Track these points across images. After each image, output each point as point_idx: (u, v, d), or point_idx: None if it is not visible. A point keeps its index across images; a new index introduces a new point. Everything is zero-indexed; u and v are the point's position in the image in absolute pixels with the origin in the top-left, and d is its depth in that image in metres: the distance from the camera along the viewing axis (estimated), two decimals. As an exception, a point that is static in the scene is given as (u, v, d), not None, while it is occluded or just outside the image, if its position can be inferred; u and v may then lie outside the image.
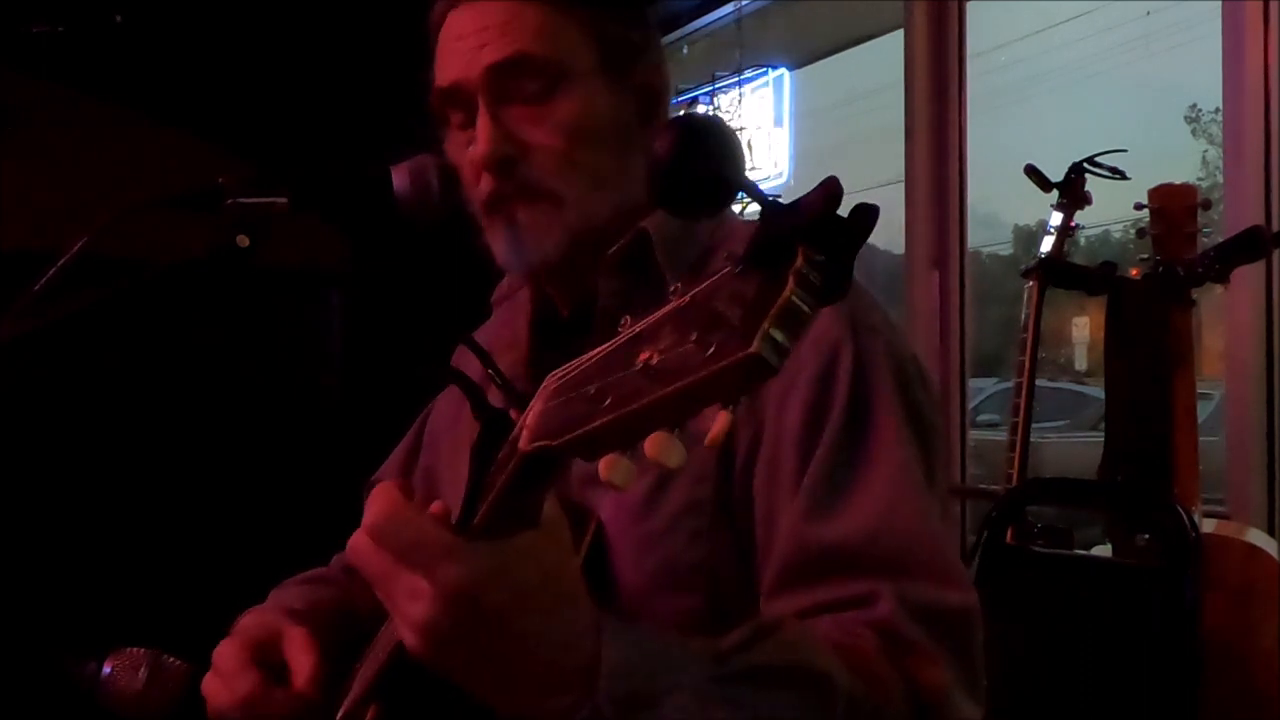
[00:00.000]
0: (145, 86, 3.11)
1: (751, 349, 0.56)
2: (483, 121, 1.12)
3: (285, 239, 1.14)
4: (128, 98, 3.10)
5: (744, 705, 0.84)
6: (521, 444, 0.70)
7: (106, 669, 1.22)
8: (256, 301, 3.27)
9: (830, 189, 0.59)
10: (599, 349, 0.65)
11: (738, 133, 0.68)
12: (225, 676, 1.12)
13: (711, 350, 0.57)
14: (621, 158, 1.16)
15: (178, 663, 1.24)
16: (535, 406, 0.70)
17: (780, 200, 0.61)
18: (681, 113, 0.70)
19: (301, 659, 1.11)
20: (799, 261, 0.57)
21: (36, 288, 1.11)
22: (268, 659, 1.12)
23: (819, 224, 0.58)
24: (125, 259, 1.09)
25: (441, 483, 1.34)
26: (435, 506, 0.82)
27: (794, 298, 0.56)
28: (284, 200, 1.14)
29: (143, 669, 1.22)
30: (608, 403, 0.62)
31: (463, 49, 1.14)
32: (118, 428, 3.11)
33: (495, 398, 0.82)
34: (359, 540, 0.80)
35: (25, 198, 2.85)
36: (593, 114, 1.14)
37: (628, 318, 0.64)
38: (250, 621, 1.18)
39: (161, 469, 3.14)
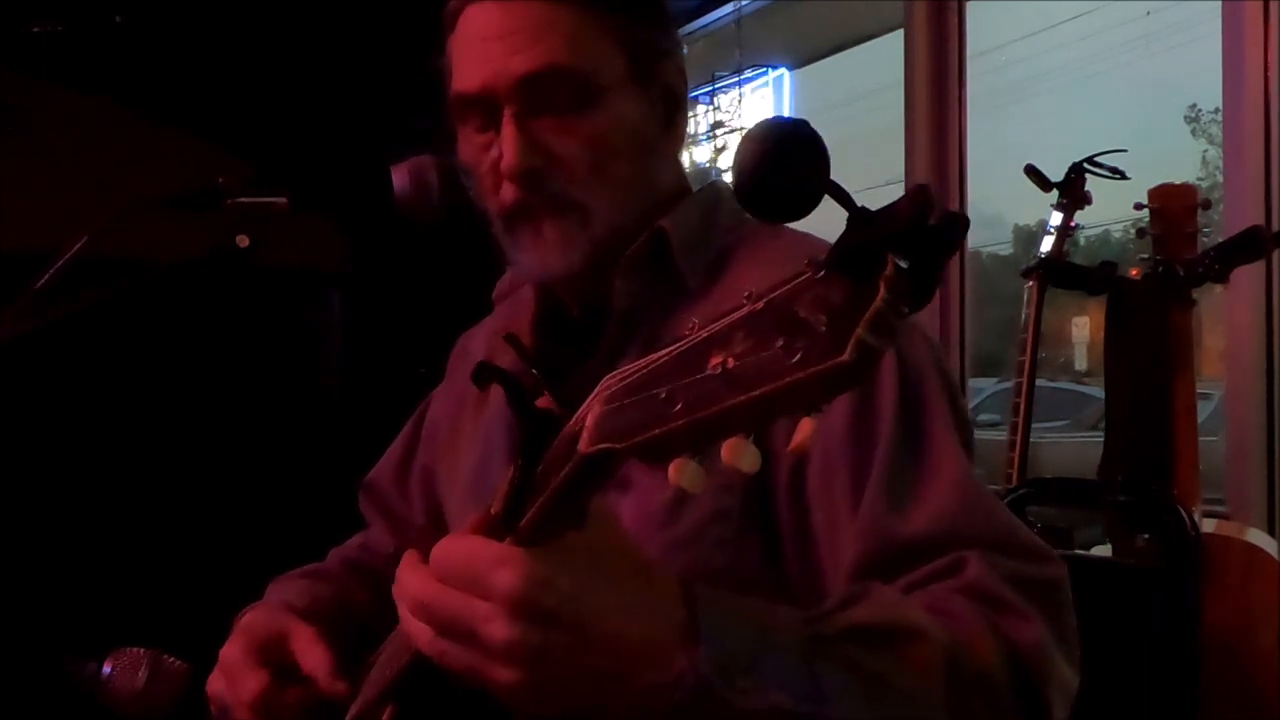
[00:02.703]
0: (145, 86, 3.10)
1: (844, 357, 0.55)
2: (510, 131, 1.09)
3: (285, 239, 1.14)
4: (128, 98, 3.10)
5: (847, 662, 0.82)
6: (582, 445, 0.69)
7: (106, 669, 1.22)
8: (256, 301, 3.27)
9: (920, 197, 0.58)
10: (664, 352, 0.64)
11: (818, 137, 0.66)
12: (232, 676, 1.12)
13: (798, 356, 0.56)
14: (646, 164, 1.15)
15: (178, 663, 1.24)
16: (593, 408, 0.68)
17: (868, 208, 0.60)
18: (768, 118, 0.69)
19: (315, 654, 1.10)
20: (889, 269, 0.56)
21: (36, 288, 1.11)
22: (274, 657, 1.12)
23: (910, 232, 0.57)
24: (125, 259, 1.09)
25: (439, 481, 1.34)
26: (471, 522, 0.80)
27: (885, 305, 0.55)
28: (284, 200, 1.15)
29: (143, 669, 1.22)
30: (679, 407, 0.61)
31: (490, 53, 1.09)
32: (117, 428, 3.11)
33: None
34: (422, 593, 0.78)
35: (25, 198, 2.84)
36: (622, 126, 1.12)
37: (695, 321, 0.63)
38: (253, 620, 1.17)
39: (161, 469, 3.13)
